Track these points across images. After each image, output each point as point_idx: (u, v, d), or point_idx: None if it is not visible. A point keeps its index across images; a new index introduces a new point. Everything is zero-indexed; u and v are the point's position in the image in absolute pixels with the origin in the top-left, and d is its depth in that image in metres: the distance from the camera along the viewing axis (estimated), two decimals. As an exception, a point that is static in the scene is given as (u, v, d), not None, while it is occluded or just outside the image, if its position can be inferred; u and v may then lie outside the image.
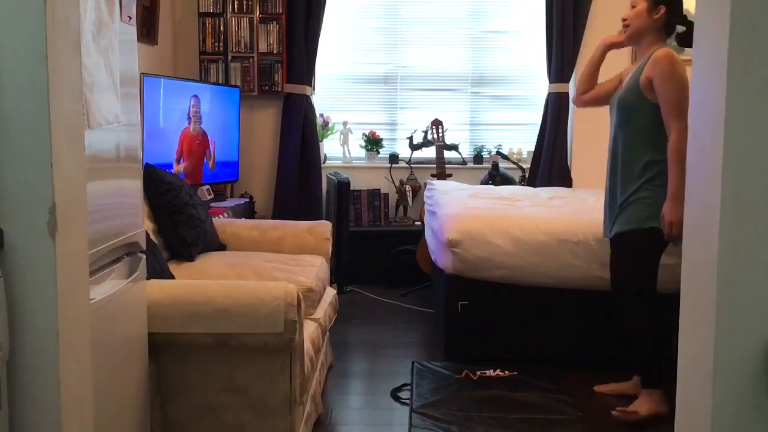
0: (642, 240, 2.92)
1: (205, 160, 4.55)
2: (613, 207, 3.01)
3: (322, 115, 5.38)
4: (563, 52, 5.09)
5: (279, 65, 5.09)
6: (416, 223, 5.25)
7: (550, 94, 5.19)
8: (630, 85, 2.97)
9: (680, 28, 3.01)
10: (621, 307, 3.03)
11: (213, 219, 3.54)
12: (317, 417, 2.85)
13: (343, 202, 4.77)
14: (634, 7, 2.97)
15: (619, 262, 3.01)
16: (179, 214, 3.19)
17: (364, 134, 5.45)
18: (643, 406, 2.93)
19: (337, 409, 3.07)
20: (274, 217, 5.03)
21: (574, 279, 3.41)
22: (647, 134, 2.90)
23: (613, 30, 3.18)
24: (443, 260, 3.58)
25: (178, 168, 4.22)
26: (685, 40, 3.00)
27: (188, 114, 4.34)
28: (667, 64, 2.84)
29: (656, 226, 2.86)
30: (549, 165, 5.14)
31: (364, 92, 5.53)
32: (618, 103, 3.00)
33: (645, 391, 2.96)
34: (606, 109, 3.16)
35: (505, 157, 5.27)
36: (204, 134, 4.50)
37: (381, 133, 5.48)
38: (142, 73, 3.74)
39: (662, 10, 2.92)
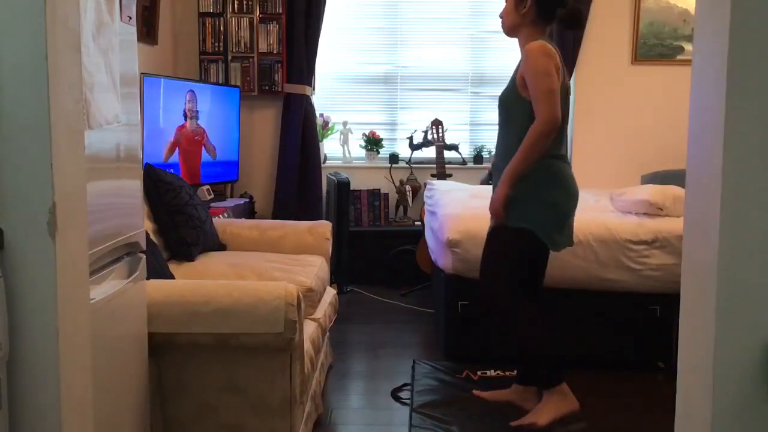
0: (509, 238, 2.83)
1: (207, 155, 4.55)
2: None
3: (322, 115, 5.38)
4: (563, 52, 5.07)
5: (279, 65, 5.09)
6: (416, 223, 5.24)
7: (550, 94, 5.19)
8: (509, 83, 2.88)
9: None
10: (485, 298, 2.97)
11: (213, 219, 3.54)
12: (317, 417, 2.85)
13: (343, 202, 4.77)
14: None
15: (487, 258, 2.93)
16: (179, 214, 3.19)
17: (364, 134, 5.45)
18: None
19: (337, 409, 3.07)
20: (274, 217, 5.02)
21: (574, 279, 3.41)
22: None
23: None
24: (443, 260, 3.58)
25: (168, 156, 4.17)
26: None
27: (184, 110, 4.33)
28: (534, 57, 2.73)
29: (524, 226, 2.77)
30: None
31: (364, 92, 5.53)
32: (499, 102, 2.92)
33: (519, 386, 3.06)
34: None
35: (505, 157, 5.27)
36: (201, 130, 4.49)
37: (381, 133, 5.47)
38: (142, 73, 3.74)
39: (528, 2, 2.77)
